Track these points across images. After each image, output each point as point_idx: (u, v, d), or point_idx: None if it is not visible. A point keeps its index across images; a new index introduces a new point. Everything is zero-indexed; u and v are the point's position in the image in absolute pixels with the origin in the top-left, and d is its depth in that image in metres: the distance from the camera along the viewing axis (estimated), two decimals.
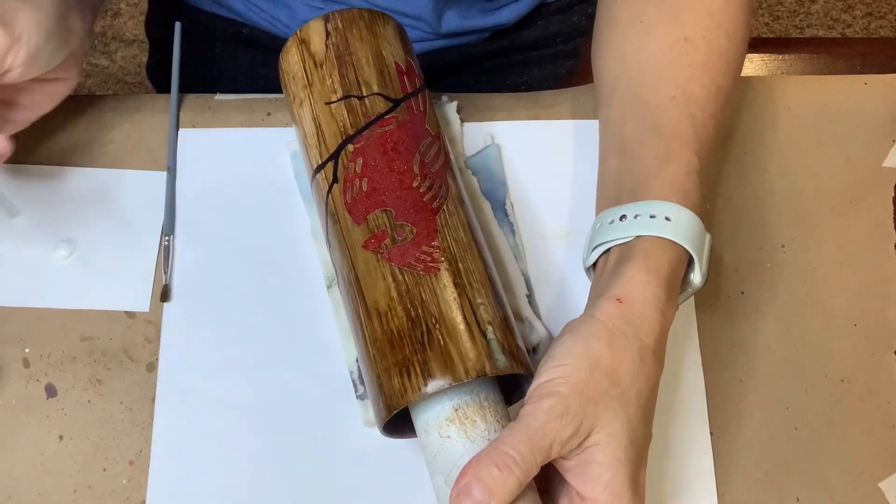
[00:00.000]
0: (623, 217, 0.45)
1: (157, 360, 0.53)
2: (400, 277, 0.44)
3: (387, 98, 0.49)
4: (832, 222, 0.58)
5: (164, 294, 0.54)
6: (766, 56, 0.92)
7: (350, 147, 0.48)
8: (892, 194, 0.58)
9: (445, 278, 0.44)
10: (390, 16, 0.53)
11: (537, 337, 0.52)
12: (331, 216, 0.48)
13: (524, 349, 0.45)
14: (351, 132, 0.48)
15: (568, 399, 0.39)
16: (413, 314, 0.43)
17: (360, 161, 0.47)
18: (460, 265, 0.45)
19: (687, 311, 0.54)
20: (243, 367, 0.53)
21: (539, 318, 0.53)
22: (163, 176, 0.57)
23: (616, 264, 0.45)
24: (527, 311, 0.53)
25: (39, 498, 0.50)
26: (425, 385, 0.42)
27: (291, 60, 0.51)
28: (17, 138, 0.59)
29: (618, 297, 0.42)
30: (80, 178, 0.57)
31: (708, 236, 0.46)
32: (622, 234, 0.45)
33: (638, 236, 0.44)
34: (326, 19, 0.51)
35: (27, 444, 0.51)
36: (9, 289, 0.55)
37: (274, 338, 0.53)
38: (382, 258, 0.45)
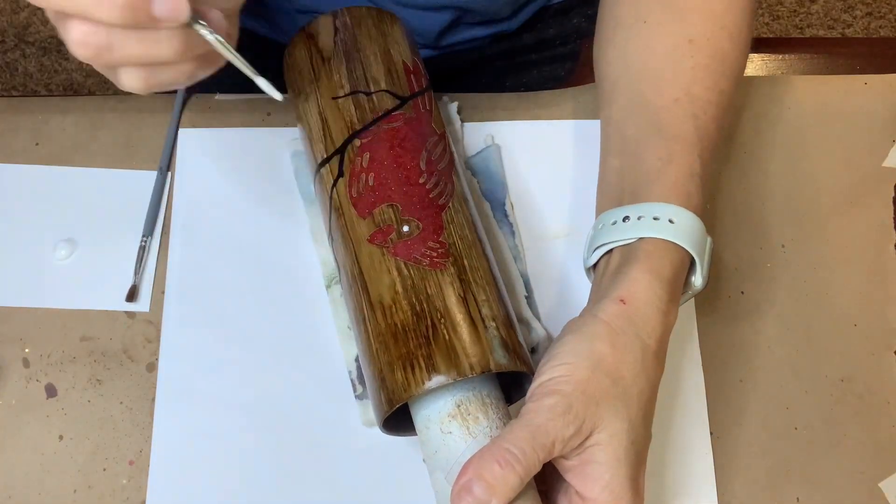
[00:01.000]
0: (626, 218, 0.45)
1: (157, 360, 0.53)
2: (406, 272, 0.44)
3: (395, 95, 0.49)
4: (832, 222, 0.58)
5: (132, 294, 0.54)
6: (766, 56, 0.91)
7: (357, 142, 0.48)
8: (892, 194, 0.58)
9: (451, 274, 0.44)
10: (397, 16, 0.53)
11: (536, 337, 0.52)
12: (335, 210, 0.48)
13: (525, 347, 0.45)
14: (358, 127, 0.48)
15: (570, 397, 0.39)
16: (418, 308, 0.43)
17: (366, 156, 0.47)
18: (465, 262, 0.45)
19: (687, 312, 0.54)
20: (243, 367, 0.53)
21: (538, 318, 0.53)
22: (164, 176, 0.57)
23: (619, 266, 0.45)
24: (526, 312, 0.53)
25: (39, 498, 0.50)
26: (429, 379, 0.41)
27: (298, 55, 0.51)
28: (18, 139, 0.59)
29: (621, 298, 0.42)
30: (80, 178, 0.57)
31: (709, 239, 0.46)
32: (625, 235, 0.45)
33: (641, 238, 0.44)
34: (335, 15, 0.51)
35: (27, 444, 0.51)
36: (9, 289, 0.55)
37: (273, 338, 0.53)
38: (388, 252, 0.45)
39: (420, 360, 0.42)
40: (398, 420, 0.46)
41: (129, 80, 0.38)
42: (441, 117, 0.51)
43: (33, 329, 0.54)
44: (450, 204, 0.47)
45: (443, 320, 0.43)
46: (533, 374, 0.43)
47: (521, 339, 0.45)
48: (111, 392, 0.52)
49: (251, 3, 0.42)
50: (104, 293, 0.54)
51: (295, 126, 0.54)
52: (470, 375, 0.41)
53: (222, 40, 0.38)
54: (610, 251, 0.46)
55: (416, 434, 0.45)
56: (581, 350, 0.41)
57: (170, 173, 0.58)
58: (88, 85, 1.47)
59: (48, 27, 1.51)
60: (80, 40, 0.35)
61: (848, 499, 0.51)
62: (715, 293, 0.55)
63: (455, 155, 0.51)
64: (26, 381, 0.53)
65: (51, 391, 0.52)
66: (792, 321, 0.55)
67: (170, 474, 0.50)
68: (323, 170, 0.49)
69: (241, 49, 0.40)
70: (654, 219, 0.44)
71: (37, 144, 0.58)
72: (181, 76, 0.38)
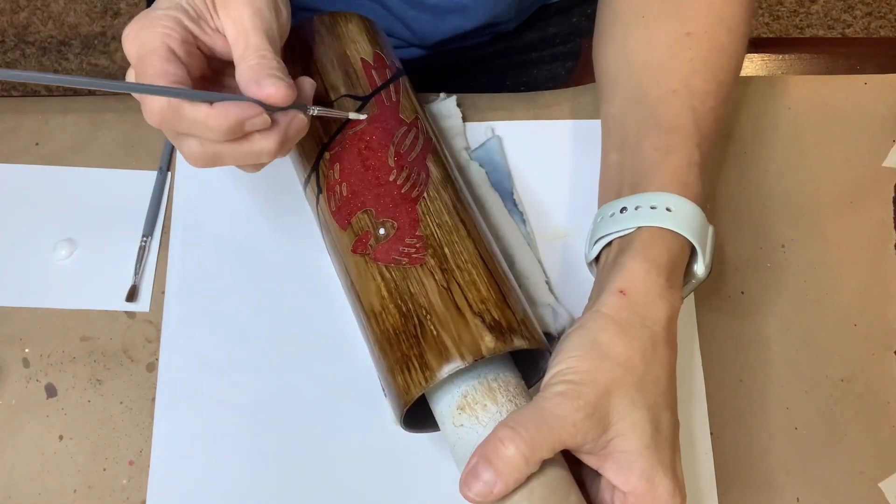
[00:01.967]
0: (624, 209, 0.45)
1: (157, 360, 0.53)
2: (388, 275, 0.44)
3: (355, 97, 0.49)
4: (832, 222, 0.58)
5: (132, 294, 0.54)
6: (766, 56, 0.91)
7: (327, 155, 0.48)
8: (892, 194, 0.58)
9: (432, 266, 0.44)
10: (353, 13, 0.52)
11: (563, 321, 0.52)
12: (323, 227, 0.49)
13: (532, 323, 0.45)
14: (325, 140, 0.48)
15: (579, 386, 0.39)
16: (404, 309, 0.43)
17: (337, 167, 0.47)
18: (446, 250, 0.44)
19: (687, 312, 0.54)
20: (243, 367, 0.53)
21: (560, 302, 0.53)
22: (164, 176, 0.57)
23: (616, 256, 0.45)
24: (548, 297, 0.53)
25: (39, 498, 0.50)
26: (425, 379, 0.41)
27: None
28: (18, 139, 0.59)
29: (620, 290, 0.42)
30: (80, 178, 0.57)
31: (711, 228, 0.46)
32: (623, 225, 0.45)
33: (639, 227, 0.44)
34: (288, 36, 0.51)
35: (27, 444, 0.51)
36: (9, 289, 0.55)
37: (273, 337, 0.53)
38: (370, 259, 0.45)
39: (414, 360, 0.42)
40: (428, 413, 0.46)
41: (245, 170, 0.46)
42: (413, 104, 0.51)
43: (33, 329, 0.54)
44: (425, 194, 0.46)
45: (429, 316, 0.43)
46: (542, 348, 0.43)
47: (526, 315, 0.44)
48: (111, 392, 0.52)
49: None
50: (104, 293, 0.54)
51: None
52: (462, 365, 0.41)
53: (317, 110, 0.45)
54: (610, 243, 0.46)
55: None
56: (586, 343, 0.40)
57: (170, 173, 0.58)
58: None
59: (48, 27, 1.51)
60: (193, 156, 0.42)
61: (848, 499, 0.51)
62: (715, 293, 0.55)
63: (433, 139, 0.50)
64: (26, 381, 0.53)
65: (51, 391, 0.52)
66: (792, 321, 0.55)
67: (170, 474, 0.50)
68: (307, 190, 0.50)
69: None
70: (652, 208, 0.44)
71: (37, 144, 0.58)
72: (273, 158, 0.44)
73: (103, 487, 0.50)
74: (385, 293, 0.44)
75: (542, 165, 0.58)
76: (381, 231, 0.45)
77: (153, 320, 0.54)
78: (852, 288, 0.56)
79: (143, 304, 0.54)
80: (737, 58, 0.51)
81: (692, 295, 0.55)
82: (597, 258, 0.48)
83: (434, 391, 0.44)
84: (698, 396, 0.53)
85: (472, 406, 0.42)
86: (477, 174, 0.56)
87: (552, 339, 0.52)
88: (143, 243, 0.55)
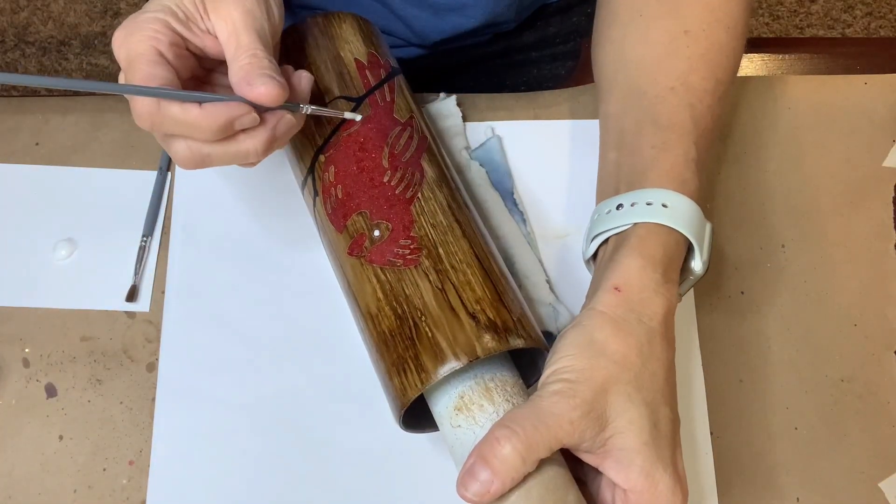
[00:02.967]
0: (620, 206, 0.45)
1: (157, 360, 0.53)
2: (383, 277, 0.44)
3: (348, 99, 0.49)
4: (832, 222, 0.58)
5: (132, 294, 0.54)
6: (766, 56, 0.91)
7: (322, 157, 0.48)
8: (892, 194, 0.58)
9: (426, 267, 0.44)
10: (348, 13, 0.52)
11: (564, 320, 0.52)
12: (321, 229, 0.49)
13: (530, 322, 0.45)
14: (320, 142, 0.48)
15: (575, 384, 0.39)
16: (399, 311, 0.43)
17: (332, 169, 0.47)
18: (440, 250, 0.44)
19: (687, 311, 0.54)
20: (243, 367, 0.53)
21: (561, 301, 0.53)
22: (164, 176, 0.57)
23: (612, 253, 0.45)
24: (549, 296, 0.53)
25: (39, 498, 0.50)
26: (421, 381, 0.41)
27: None
28: (18, 139, 0.59)
29: (615, 287, 0.42)
30: (80, 178, 0.57)
31: (709, 225, 0.46)
32: (619, 222, 0.45)
33: (635, 224, 0.44)
34: (283, 38, 0.51)
35: (27, 444, 0.51)
36: (9, 289, 0.55)
37: (274, 337, 0.53)
38: (365, 261, 0.45)
39: (409, 362, 0.42)
40: (426, 413, 0.46)
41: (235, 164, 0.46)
42: (408, 103, 0.51)
43: (33, 329, 0.54)
44: (419, 194, 0.46)
45: (423, 318, 0.43)
46: (539, 347, 0.43)
47: (518, 314, 0.44)
48: (111, 392, 0.52)
49: None
50: (104, 293, 0.54)
51: None
52: (457, 366, 0.41)
53: (310, 108, 0.45)
54: (607, 241, 0.46)
55: None
56: (581, 342, 0.40)
57: (170, 173, 0.58)
58: None
59: (48, 27, 1.51)
60: (182, 157, 0.42)
61: (848, 499, 0.51)
62: (715, 293, 0.55)
63: (428, 137, 0.50)
64: (26, 381, 0.53)
65: (51, 391, 0.52)
66: (792, 321, 0.55)
67: (170, 474, 0.50)
68: (304, 193, 0.50)
69: None
70: (648, 204, 0.44)
71: (37, 144, 0.58)
72: (262, 157, 0.44)
73: (103, 487, 0.50)
74: (381, 295, 0.44)
75: (543, 165, 0.58)
76: (376, 233, 0.45)
77: (153, 320, 0.54)
78: (852, 288, 0.56)
79: (143, 304, 0.54)
80: (735, 56, 0.51)
81: (692, 295, 0.55)
82: (594, 256, 0.48)
83: (431, 392, 0.44)
84: (698, 396, 0.53)
85: (468, 407, 0.42)
86: (477, 174, 0.56)
87: (553, 338, 0.52)
88: (143, 243, 0.55)
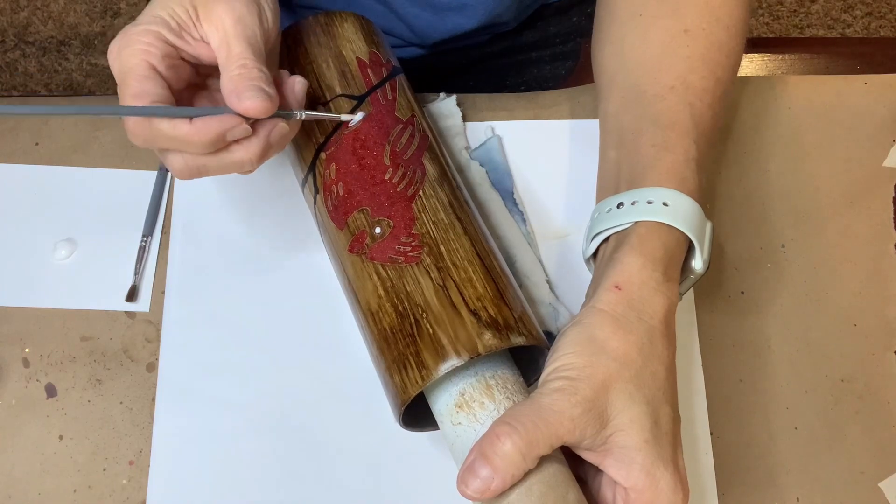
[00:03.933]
0: (620, 205, 0.45)
1: (157, 360, 0.53)
2: (384, 274, 0.44)
3: (350, 97, 0.49)
4: (832, 222, 0.58)
5: (132, 294, 0.54)
6: (766, 56, 0.92)
7: (323, 155, 0.48)
8: (893, 194, 0.58)
9: (427, 264, 0.44)
10: (349, 12, 0.52)
11: (563, 320, 0.52)
12: (321, 227, 0.49)
13: (531, 319, 0.45)
14: (321, 140, 0.48)
15: (576, 382, 0.39)
16: (400, 308, 0.43)
17: (333, 167, 0.47)
18: (442, 248, 0.44)
19: (687, 311, 0.54)
20: (243, 367, 0.53)
21: (561, 301, 0.53)
22: (164, 176, 0.57)
23: (612, 252, 0.45)
24: (549, 296, 0.53)
25: (39, 498, 0.50)
26: (422, 378, 0.41)
27: None
28: (18, 139, 0.59)
29: (616, 285, 0.42)
30: (80, 178, 0.57)
31: (709, 223, 0.46)
32: (619, 221, 0.45)
33: (635, 223, 0.44)
34: (285, 35, 0.51)
35: (27, 444, 0.51)
36: (9, 289, 0.55)
37: (273, 337, 0.53)
38: (366, 258, 0.45)
39: (410, 358, 0.42)
40: (428, 412, 0.46)
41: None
42: (409, 102, 0.51)
43: (33, 329, 0.54)
44: (420, 191, 0.46)
45: (424, 315, 0.42)
46: (540, 345, 0.43)
47: (519, 312, 0.44)
48: (111, 392, 0.52)
49: None
50: (104, 293, 0.54)
51: None
52: (458, 363, 0.41)
53: (304, 114, 0.46)
54: (607, 239, 0.46)
55: None
56: (581, 339, 0.40)
57: (170, 173, 0.58)
58: (88, 85, 1.48)
59: (48, 27, 1.51)
60: (178, 169, 0.43)
61: (848, 499, 0.51)
62: (715, 293, 0.55)
63: (429, 136, 0.50)
64: (26, 381, 0.53)
65: (51, 391, 0.52)
66: (792, 321, 0.55)
67: (170, 474, 0.50)
68: (305, 191, 0.50)
69: None
70: (648, 203, 0.44)
71: (37, 144, 0.58)
72: (257, 166, 0.45)
73: (103, 487, 0.50)
74: (382, 292, 0.44)
75: (542, 165, 0.58)
76: (377, 230, 0.45)
77: (153, 320, 0.54)
78: (852, 288, 0.56)
79: (143, 304, 0.54)
80: (734, 55, 0.51)
81: (692, 295, 0.55)
82: (595, 255, 0.48)
83: (432, 390, 0.44)
84: (698, 396, 0.53)
85: (469, 404, 0.42)
86: (477, 174, 0.56)
87: (553, 337, 0.52)
88: (143, 243, 0.55)
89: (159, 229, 0.56)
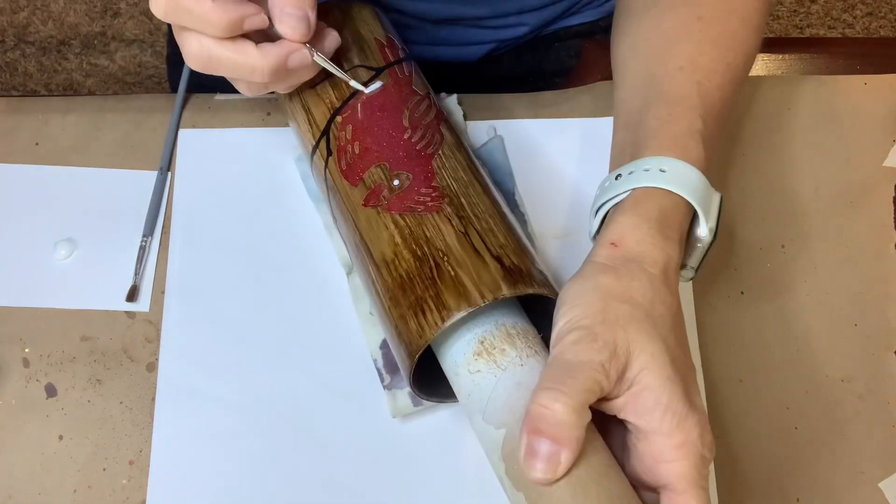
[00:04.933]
0: (618, 176, 0.44)
1: (157, 360, 0.53)
2: (402, 222, 0.43)
3: (369, 68, 0.49)
4: (832, 222, 0.58)
5: (132, 294, 0.54)
6: (766, 56, 0.91)
7: (339, 119, 0.48)
8: (893, 194, 0.58)
9: (448, 213, 0.43)
10: (367, 4, 0.52)
11: None
12: (331, 191, 0.48)
13: (547, 274, 0.44)
14: (338, 104, 0.48)
15: (592, 328, 0.37)
16: (419, 253, 0.42)
17: (349, 128, 0.47)
18: (463, 200, 0.44)
19: (687, 311, 0.54)
20: (243, 367, 0.53)
21: None
22: (165, 176, 0.57)
23: (609, 217, 0.44)
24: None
25: (39, 498, 0.50)
26: (441, 318, 0.40)
27: None
28: (18, 139, 0.59)
29: (612, 242, 0.41)
30: (80, 178, 0.57)
31: (717, 194, 0.45)
32: (617, 191, 0.44)
33: (633, 189, 0.43)
34: None
35: (27, 444, 0.51)
36: (9, 289, 0.55)
37: (273, 337, 0.53)
38: (382, 209, 0.44)
39: (429, 301, 0.41)
40: (433, 381, 0.45)
41: (238, 87, 0.47)
42: (424, 83, 0.51)
43: (33, 329, 0.54)
44: (440, 152, 0.46)
45: (445, 258, 0.41)
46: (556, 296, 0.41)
47: (539, 265, 0.43)
48: (111, 392, 0.52)
49: None
50: (104, 293, 0.54)
51: None
52: (482, 304, 0.40)
53: (318, 55, 0.45)
54: (608, 212, 0.45)
55: (454, 401, 0.44)
56: (586, 288, 0.39)
57: (170, 173, 0.58)
58: (88, 85, 1.48)
59: (48, 27, 1.51)
60: (194, 53, 0.43)
61: (848, 499, 0.51)
62: (715, 293, 0.55)
63: (444, 113, 0.50)
64: (26, 381, 0.53)
65: (51, 391, 0.52)
66: (792, 321, 0.55)
67: (170, 474, 0.50)
68: (315, 157, 0.49)
69: None
70: (645, 170, 0.43)
71: (37, 144, 0.58)
72: (265, 81, 0.44)
73: (103, 487, 0.50)
74: (399, 240, 0.43)
75: (543, 165, 0.58)
76: (395, 182, 0.44)
77: (153, 320, 0.54)
78: (852, 288, 0.56)
79: (143, 304, 0.54)
80: (747, 45, 0.50)
81: (692, 295, 0.55)
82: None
83: (447, 337, 0.42)
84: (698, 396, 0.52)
85: (489, 351, 0.41)
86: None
87: None
88: (144, 243, 0.55)
89: (159, 229, 0.56)
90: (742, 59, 0.50)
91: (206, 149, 0.58)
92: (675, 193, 0.43)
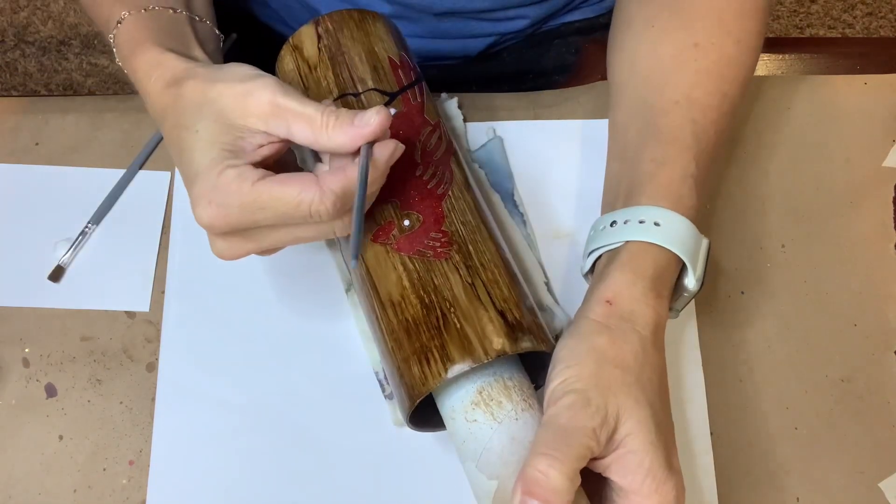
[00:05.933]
0: (614, 223, 0.46)
1: (157, 360, 0.53)
2: (411, 266, 0.44)
3: (383, 92, 0.49)
4: (832, 222, 0.58)
5: (56, 275, 0.54)
6: (766, 56, 0.92)
7: None
8: (893, 194, 0.58)
9: (456, 261, 0.44)
10: (380, 14, 0.53)
11: (560, 323, 0.52)
12: None
13: (545, 327, 0.45)
14: None
15: (586, 392, 0.39)
16: (427, 300, 0.43)
17: None
18: (470, 247, 0.44)
19: (687, 312, 0.54)
20: (243, 367, 0.53)
21: (559, 304, 0.53)
22: (164, 176, 0.57)
23: (604, 268, 0.45)
24: (547, 298, 0.53)
25: (39, 498, 0.50)
26: (445, 370, 0.41)
27: (286, 68, 0.51)
28: (18, 139, 0.59)
29: (607, 300, 0.43)
30: (80, 178, 0.57)
31: (705, 241, 0.46)
32: (612, 239, 0.45)
33: (627, 241, 0.45)
34: (317, 23, 0.51)
35: (27, 444, 0.51)
36: (9, 289, 0.55)
37: (273, 337, 0.53)
38: (392, 249, 0.45)
39: (434, 351, 0.42)
40: (428, 414, 0.46)
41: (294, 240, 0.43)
42: (434, 108, 0.51)
43: (33, 329, 0.54)
44: (449, 192, 0.46)
45: (452, 309, 0.42)
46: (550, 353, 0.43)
47: (539, 319, 0.45)
48: (111, 392, 0.52)
49: None
50: (104, 293, 0.54)
51: None
52: (485, 361, 0.41)
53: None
54: (601, 256, 0.47)
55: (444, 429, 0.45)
56: (581, 350, 0.41)
57: (169, 173, 0.58)
58: (88, 85, 1.48)
59: (48, 27, 1.51)
60: (270, 248, 0.43)
61: (848, 499, 0.51)
62: (715, 293, 0.55)
63: (454, 144, 0.50)
64: (26, 381, 0.53)
65: (51, 391, 0.52)
66: (792, 321, 0.55)
67: (170, 474, 0.50)
68: None
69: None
70: (640, 222, 0.45)
71: (37, 144, 0.58)
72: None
73: (103, 487, 0.50)
74: (407, 283, 0.43)
75: (542, 166, 0.58)
76: (406, 222, 0.45)
77: (153, 320, 0.54)
78: (852, 288, 0.56)
79: (143, 304, 0.54)
80: (744, 70, 0.51)
81: None
82: (592, 270, 0.48)
83: (447, 385, 0.43)
84: (698, 396, 0.53)
85: (487, 402, 0.42)
86: (477, 176, 0.56)
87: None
88: (87, 229, 0.55)
89: (159, 229, 0.56)
90: (738, 87, 0.51)
91: None
92: (669, 250, 0.44)
